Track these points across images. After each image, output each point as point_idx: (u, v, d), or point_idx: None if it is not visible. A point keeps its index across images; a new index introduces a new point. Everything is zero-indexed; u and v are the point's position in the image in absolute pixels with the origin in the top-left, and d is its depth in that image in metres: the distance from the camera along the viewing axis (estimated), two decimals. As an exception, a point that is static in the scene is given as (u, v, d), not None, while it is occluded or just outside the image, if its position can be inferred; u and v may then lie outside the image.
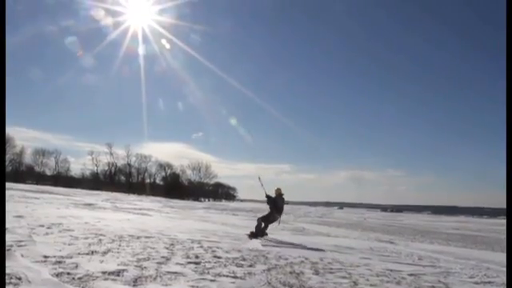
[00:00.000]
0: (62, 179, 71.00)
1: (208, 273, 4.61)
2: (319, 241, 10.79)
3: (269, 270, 5.19)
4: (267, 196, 10.28)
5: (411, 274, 5.94)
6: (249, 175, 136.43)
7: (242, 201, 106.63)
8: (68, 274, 3.89)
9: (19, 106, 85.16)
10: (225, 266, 5.17)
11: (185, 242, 7.14)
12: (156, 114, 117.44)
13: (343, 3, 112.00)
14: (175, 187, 78.87)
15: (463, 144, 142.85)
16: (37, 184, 56.34)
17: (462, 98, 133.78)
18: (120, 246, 5.96)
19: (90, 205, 19.21)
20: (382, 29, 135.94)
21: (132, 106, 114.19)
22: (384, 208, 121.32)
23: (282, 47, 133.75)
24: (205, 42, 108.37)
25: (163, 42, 55.07)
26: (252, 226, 10.32)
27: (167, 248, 6.22)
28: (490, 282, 6.01)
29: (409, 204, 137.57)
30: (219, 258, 5.79)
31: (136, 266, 4.56)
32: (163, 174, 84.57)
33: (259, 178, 10.68)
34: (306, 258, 6.54)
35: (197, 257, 5.65)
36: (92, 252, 5.17)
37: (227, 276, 4.55)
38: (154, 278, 4.07)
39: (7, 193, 17.31)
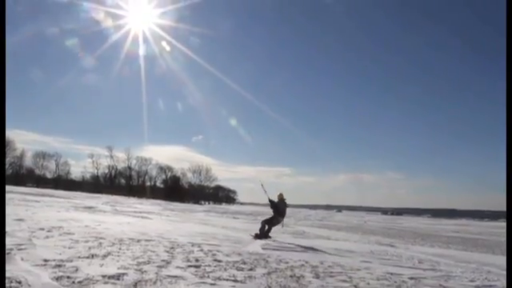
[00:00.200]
0: (63, 182, 71.09)
1: (208, 276, 4.60)
2: (319, 244, 10.76)
3: (269, 273, 5.18)
4: (270, 201, 10.71)
5: (412, 278, 5.92)
6: (249, 178, 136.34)
7: (242, 204, 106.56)
8: (68, 277, 3.89)
9: (19, 109, 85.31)
10: (225, 269, 5.17)
11: (185, 246, 7.13)
12: (156, 117, 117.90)
13: (343, 5, 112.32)
14: (175, 190, 78.81)
15: (463, 147, 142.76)
16: (37, 187, 56.45)
17: (462, 100, 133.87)
18: (120, 249, 5.96)
19: (90, 208, 19.20)
20: (381, 31, 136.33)
21: (132, 109, 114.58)
22: (384, 211, 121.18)
23: (282, 49, 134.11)
24: (204, 44, 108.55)
25: (163, 44, 55.22)
26: (252, 229, 10.50)
27: (167, 251, 6.21)
28: (490, 286, 5.99)
29: (409, 207, 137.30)
30: (219, 261, 5.78)
31: (136, 269, 4.55)
32: (163, 176, 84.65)
33: (262, 185, 11.11)
34: (307, 262, 6.53)
35: (197, 260, 5.64)
36: (92, 255, 5.17)
37: (227, 280, 4.54)
38: (154, 282, 4.07)
39: (7, 196, 17.32)
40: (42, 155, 73.69)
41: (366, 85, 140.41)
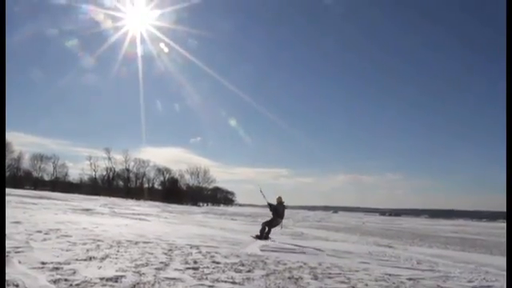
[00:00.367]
0: (60, 184, 70.84)
1: (206, 278, 4.60)
2: (318, 245, 10.76)
3: (267, 275, 5.18)
4: (269, 204, 11.34)
5: (410, 279, 5.93)
6: (247, 180, 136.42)
7: (240, 205, 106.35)
8: (65, 280, 3.87)
9: (17, 111, 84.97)
10: (223, 271, 5.16)
11: (183, 248, 7.12)
12: (154, 119, 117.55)
13: (341, 6, 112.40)
14: (173, 192, 78.69)
15: (461, 147, 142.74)
16: (35, 189, 56.22)
17: (460, 101, 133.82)
18: (118, 251, 5.94)
19: (87, 210, 19.16)
20: (380, 32, 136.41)
21: (130, 111, 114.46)
22: (382, 212, 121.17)
23: (280, 51, 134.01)
24: (203, 46, 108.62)
25: (161, 46, 55.09)
26: (251, 230, 10.66)
27: (165, 253, 6.20)
28: (488, 286, 6.00)
29: (407, 208, 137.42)
30: (218, 263, 5.78)
31: (134, 271, 4.54)
32: (161, 178, 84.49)
33: (260, 190, 11.79)
34: (305, 263, 6.53)
35: (195, 262, 5.64)
36: (90, 258, 5.15)
37: (226, 282, 4.54)
38: (153, 285, 4.06)
39: (5, 198, 17.23)
40: (39, 157, 73.53)
41: (365, 86, 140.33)
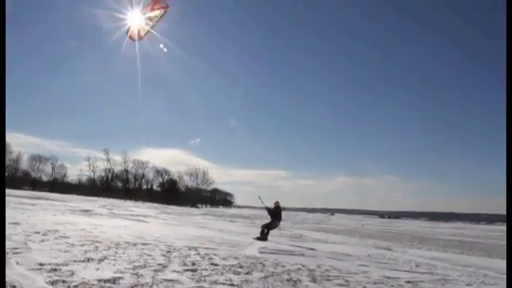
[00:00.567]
0: (59, 185, 70.69)
1: (205, 280, 4.58)
2: (316, 247, 10.76)
3: (266, 277, 5.17)
4: (267, 209, 12.29)
5: (409, 282, 5.93)
6: (246, 181, 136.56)
7: (239, 207, 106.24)
8: (63, 281, 3.86)
9: (16, 112, 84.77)
10: (222, 273, 5.14)
11: (182, 249, 7.10)
12: (153, 120, 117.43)
13: (340, 12, 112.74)
14: (172, 193, 78.60)
15: (459, 150, 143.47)
16: (33, 190, 56.10)
17: (458, 104, 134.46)
18: (116, 253, 5.92)
19: (86, 211, 19.12)
20: (377, 37, 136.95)
21: (129, 112, 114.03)
22: (381, 214, 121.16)
23: (280, 54, 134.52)
24: (202, 48, 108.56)
25: (161, 47, 55.02)
26: (250, 232, 10.87)
27: (164, 255, 6.18)
28: (487, 290, 6.00)
29: (406, 210, 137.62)
30: (216, 265, 5.76)
31: (132, 273, 4.52)
32: (160, 180, 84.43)
33: (259, 197, 12.81)
34: (304, 266, 6.52)
35: (194, 264, 5.62)
36: (88, 259, 5.13)
37: (224, 284, 4.52)
38: (151, 286, 4.04)
39: (3, 199, 17.17)
40: (38, 158, 73.53)
41: (363, 89, 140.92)
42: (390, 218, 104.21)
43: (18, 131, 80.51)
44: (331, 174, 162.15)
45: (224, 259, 6.44)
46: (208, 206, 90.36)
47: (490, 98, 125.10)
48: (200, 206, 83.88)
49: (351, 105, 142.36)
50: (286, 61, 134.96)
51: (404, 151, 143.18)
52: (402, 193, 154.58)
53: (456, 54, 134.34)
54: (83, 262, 4.95)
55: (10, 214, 11.21)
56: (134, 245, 7.06)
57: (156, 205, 51.43)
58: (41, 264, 4.54)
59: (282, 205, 12.51)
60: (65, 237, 7.25)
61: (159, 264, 5.31)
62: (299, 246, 10.70)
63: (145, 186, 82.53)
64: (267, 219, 12.35)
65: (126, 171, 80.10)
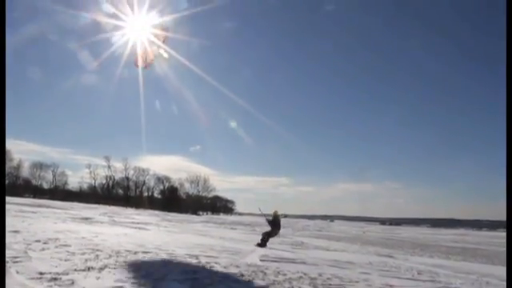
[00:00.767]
0: (60, 193, 70.48)
1: (206, 289, 4.56)
2: (318, 255, 10.71)
3: (267, 286, 5.14)
4: (267, 220, 13.09)
5: (411, 290, 5.89)
6: (247, 188, 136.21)
7: (240, 214, 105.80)
8: (64, 291, 3.84)
9: (17, 119, 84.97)
10: (222, 282, 5.12)
11: (182, 258, 7.07)
12: (154, 127, 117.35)
13: (342, 15, 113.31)
14: (173, 201, 78.37)
15: (461, 156, 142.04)
16: (34, 197, 55.97)
17: (460, 109, 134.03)
18: (117, 261, 5.90)
19: (87, 219, 19.07)
20: (380, 41, 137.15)
21: (130, 119, 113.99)
22: (383, 221, 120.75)
23: (280, 59, 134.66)
24: (203, 54, 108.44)
25: (161, 53, 55.33)
26: (251, 240, 10.88)
27: (165, 264, 6.15)
28: (490, 298, 5.96)
29: (407, 217, 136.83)
30: (217, 273, 5.73)
31: (133, 282, 4.50)
32: (161, 187, 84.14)
33: (259, 209, 14.24)
34: (305, 274, 6.48)
35: (194, 272, 5.59)
36: (88, 268, 5.11)
37: (225, 292, 4.50)
38: (151, 295, 4.02)
39: (3, 207, 17.13)
40: (39, 165, 73.36)
41: (365, 94, 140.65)
42: (391, 224, 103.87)
43: (19, 138, 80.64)
44: (332, 181, 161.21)
45: (225, 267, 6.41)
46: (209, 213, 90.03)
47: (491, 103, 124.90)
48: (201, 213, 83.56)
49: (353, 111, 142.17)
50: (287, 67, 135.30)
51: (405, 157, 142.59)
52: (403, 199, 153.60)
53: (459, 59, 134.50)
54: (84, 270, 4.93)
55: (10, 222, 11.18)
56: (135, 253, 7.03)
57: (157, 212, 51.26)
58: (41, 273, 4.53)
59: (283, 212, 13.45)
60: (65, 245, 7.23)
61: (160, 273, 5.28)
62: (300, 254, 10.65)
63: (146, 194, 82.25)
64: (268, 227, 12.92)
65: (127, 178, 79.96)
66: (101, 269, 5.14)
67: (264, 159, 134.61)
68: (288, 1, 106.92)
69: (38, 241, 7.47)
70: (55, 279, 4.31)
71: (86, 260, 5.75)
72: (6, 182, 63.06)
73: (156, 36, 7.23)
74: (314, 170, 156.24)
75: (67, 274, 4.64)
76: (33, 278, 4.26)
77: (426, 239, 34.78)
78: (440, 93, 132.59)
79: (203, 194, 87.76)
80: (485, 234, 57.28)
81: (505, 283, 7.33)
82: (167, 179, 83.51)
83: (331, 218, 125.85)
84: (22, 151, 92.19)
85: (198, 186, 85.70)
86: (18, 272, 4.48)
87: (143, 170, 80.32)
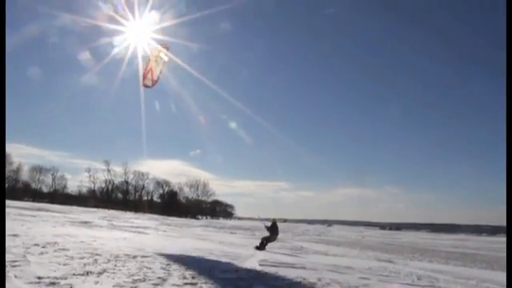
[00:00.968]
0: (59, 196, 70.46)
1: (204, 294, 4.55)
2: (317, 260, 10.69)
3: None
4: (267, 227, 13.77)
5: (410, 295, 5.88)
6: (247, 193, 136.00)
7: (239, 218, 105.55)
8: (62, 295, 3.84)
9: (16, 123, 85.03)
10: (222, 286, 5.11)
11: (182, 262, 7.05)
12: (154, 131, 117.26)
13: (341, 17, 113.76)
14: (173, 205, 78.28)
15: (461, 161, 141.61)
16: (33, 201, 55.95)
17: (461, 115, 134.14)
18: (116, 266, 5.89)
19: (86, 223, 19.05)
20: (379, 44, 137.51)
21: (130, 123, 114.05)
22: (382, 226, 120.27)
23: (279, 64, 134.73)
24: (203, 59, 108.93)
25: (162, 57, 55.51)
26: (250, 244, 11.08)
27: (163, 268, 6.14)
28: (489, 303, 5.95)
29: (407, 222, 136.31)
30: (216, 278, 5.72)
31: (132, 287, 4.50)
32: (160, 191, 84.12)
33: (259, 216, 16.66)
34: (304, 279, 6.47)
35: (193, 277, 5.58)
36: (87, 272, 5.10)
37: (224, 297, 4.49)
38: (150, 300, 4.02)
39: (3, 211, 17.12)
40: (38, 169, 73.44)
41: (365, 98, 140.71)
42: (391, 229, 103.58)
43: (19, 142, 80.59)
44: (332, 186, 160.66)
45: (224, 272, 6.40)
46: (208, 217, 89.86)
47: (492, 108, 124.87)
48: (200, 217, 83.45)
49: (353, 115, 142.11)
50: (286, 71, 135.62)
51: (405, 162, 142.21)
52: (403, 204, 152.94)
53: (458, 63, 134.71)
54: (82, 275, 4.92)
55: (9, 226, 11.16)
56: (134, 257, 7.02)
57: (156, 216, 51.20)
58: (39, 277, 4.52)
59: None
60: (64, 249, 7.22)
61: (159, 277, 5.27)
62: (300, 259, 10.63)
63: (145, 198, 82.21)
64: (267, 232, 13.61)
65: (127, 182, 79.97)
66: (99, 273, 5.13)
67: (264, 164, 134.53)
68: (286, 3, 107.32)
69: (36, 245, 7.45)
70: (53, 284, 4.30)
71: (85, 264, 5.73)
72: (6, 185, 63.01)
73: (158, 55, 7.32)
74: (315, 174, 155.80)
75: (66, 278, 4.63)
76: (31, 283, 4.25)
77: (425, 244, 34.71)
78: (441, 98, 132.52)
79: (203, 199, 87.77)
80: (485, 239, 57.13)
81: (504, 289, 7.32)
82: (167, 183, 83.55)
83: (330, 223, 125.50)
84: (21, 155, 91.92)
85: (197, 190, 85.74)
86: (16, 276, 4.47)
87: (143, 174, 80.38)
